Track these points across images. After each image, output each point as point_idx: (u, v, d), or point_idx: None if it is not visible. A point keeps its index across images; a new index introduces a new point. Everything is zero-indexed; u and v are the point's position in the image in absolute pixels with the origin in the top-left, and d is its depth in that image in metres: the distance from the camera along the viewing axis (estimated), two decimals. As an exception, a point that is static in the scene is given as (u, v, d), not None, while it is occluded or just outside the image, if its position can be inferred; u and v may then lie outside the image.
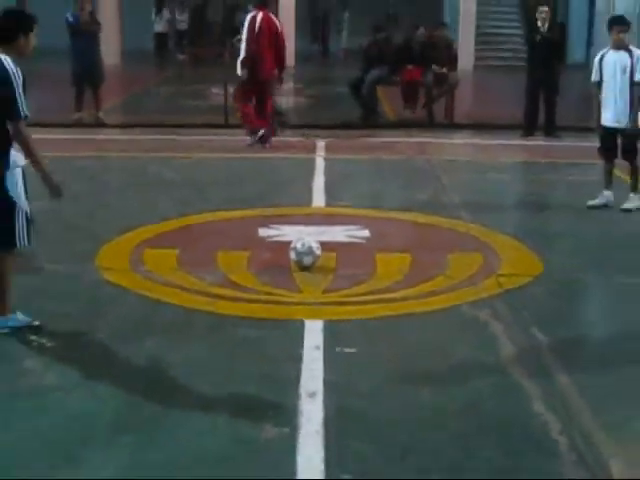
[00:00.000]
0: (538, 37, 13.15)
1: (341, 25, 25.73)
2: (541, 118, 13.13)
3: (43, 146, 5.61)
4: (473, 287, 6.30)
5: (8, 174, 5.10)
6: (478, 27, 23.43)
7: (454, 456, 4.01)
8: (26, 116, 5.13)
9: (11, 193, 5.13)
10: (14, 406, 4.45)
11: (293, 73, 21.59)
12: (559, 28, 16.06)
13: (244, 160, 11.14)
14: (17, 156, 5.16)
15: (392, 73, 14.27)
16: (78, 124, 13.18)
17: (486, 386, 4.75)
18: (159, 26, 25.06)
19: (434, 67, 14.04)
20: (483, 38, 23.73)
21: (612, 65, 8.66)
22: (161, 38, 25.15)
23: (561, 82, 13.20)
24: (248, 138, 11.92)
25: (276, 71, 12.12)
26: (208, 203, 8.70)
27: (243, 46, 11.90)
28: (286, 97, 17.94)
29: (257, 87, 11.92)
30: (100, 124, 13.36)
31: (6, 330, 5.24)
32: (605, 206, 8.62)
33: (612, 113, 8.67)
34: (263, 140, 11.76)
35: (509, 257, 7.07)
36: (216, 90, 13.89)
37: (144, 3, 24.91)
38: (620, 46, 8.68)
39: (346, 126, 13.39)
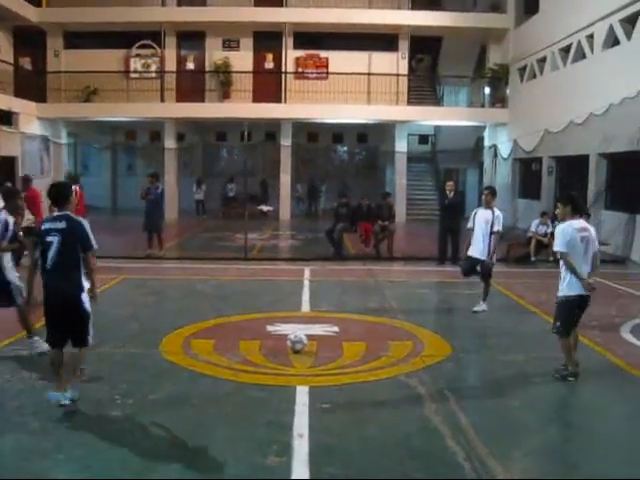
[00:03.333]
0: (446, 201, 13.43)
1: (320, 193, 26.18)
2: (449, 252, 13.25)
3: (126, 271, 5.73)
4: (406, 364, 6.36)
5: (83, 294, 5.02)
6: (408, 194, 23.98)
7: (394, 475, 4.07)
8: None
9: (87, 307, 5.03)
10: (72, 453, 4.32)
11: (289, 225, 21.98)
12: (460, 195, 16.23)
13: (257, 281, 11.20)
14: (85, 281, 5.06)
15: (352, 225, 14.56)
16: (148, 257, 13.25)
17: (415, 427, 4.82)
18: (199, 195, 25.06)
19: (379, 222, 14.29)
20: (411, 201, 24.21)
21: (481, 218, 8.82)
22: (199, 203, 25.09)
23: (461, 229, 13.36)
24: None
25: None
26: (233, 309, 8.72)
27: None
28: (285, 240, 18.23)
29: None
30: (163, 257, 13.50)
31: (67, 401, 4.86)
32: (484, 311, 8.71)
33: (478, 249, 8.76)
34: None
35: (429, 343, 7.17)
36: (239, 235, 14.05)
37: (190, 181, 25.19)
38: (487, 205, 8.92)
39: (323, 259, 13.52)
